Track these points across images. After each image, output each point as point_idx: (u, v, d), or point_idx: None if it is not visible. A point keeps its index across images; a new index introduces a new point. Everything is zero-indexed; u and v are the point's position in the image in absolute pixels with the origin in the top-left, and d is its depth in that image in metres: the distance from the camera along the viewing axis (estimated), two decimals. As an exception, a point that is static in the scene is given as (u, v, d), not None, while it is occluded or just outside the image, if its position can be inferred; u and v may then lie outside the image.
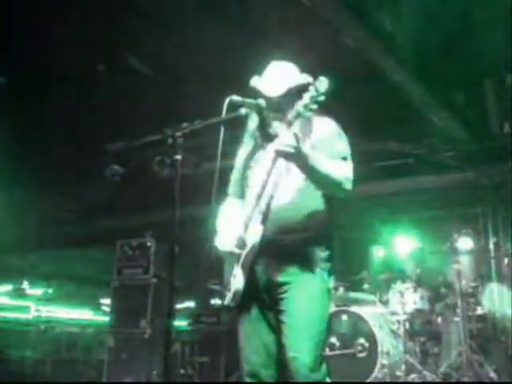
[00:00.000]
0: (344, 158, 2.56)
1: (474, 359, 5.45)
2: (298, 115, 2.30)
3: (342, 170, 2.52)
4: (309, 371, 2.36)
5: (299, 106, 2.28)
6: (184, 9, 4.83)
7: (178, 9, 4.84)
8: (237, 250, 2.51)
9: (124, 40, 5.27)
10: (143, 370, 6.11)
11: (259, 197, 2.47)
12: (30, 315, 8.08)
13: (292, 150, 2.30)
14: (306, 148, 2.37)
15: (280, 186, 2.50)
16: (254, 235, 2.44)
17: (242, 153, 2.77)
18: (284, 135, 2.32)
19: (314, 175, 2.46)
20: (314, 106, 2.29)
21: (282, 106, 2.56)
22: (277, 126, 2.52)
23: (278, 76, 2.63)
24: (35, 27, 5.03)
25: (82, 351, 8.12)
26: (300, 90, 2.52)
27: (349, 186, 2.52)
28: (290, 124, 2.30)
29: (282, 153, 2.33)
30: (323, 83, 2.29)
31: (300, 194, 2.50)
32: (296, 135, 2.30)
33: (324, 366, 2.44)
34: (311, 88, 2.26)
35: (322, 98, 2.28)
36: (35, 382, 6.46)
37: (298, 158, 2.36)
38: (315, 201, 2.55)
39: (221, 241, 2.62)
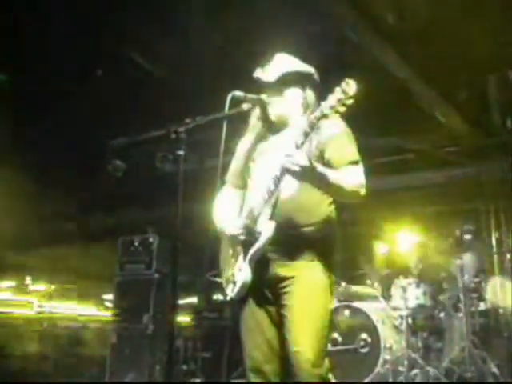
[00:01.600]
0: (356, 162, 2.54)
1: (476, 354, 5.45)
2: (323, 116, 2.25)
3: (356, 177, 2.50)
4: (311, 366, 2.36)
5: (325, 107, 2.23)
6: (186, 4, 4.82)
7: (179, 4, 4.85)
8: (242, 236, 2.52)
9: (126, 35, 5.26)
10: (146, 365, 6.13)
11: (272, 193, 2.46)
12: (32, 311, 8.10)
13: (303, 172, 2.28)
14: (318, 169, 2.34)
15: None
16: (267, 230, 2.43)
17: (244, 143, 2.78)
18: (295, 153, 2.27)
19: (327, 190, 2.49)
20: (342, 109, 2.23)
21: (277, 89, 2.63)
22: (290, 136, 2.46)
23: (275, 64, 2.69)
24: (34, 25, 5.03)
25: (85, 347, 8.13)
26: (299, 77, 2.65)
27: (363, 191, 2.51)
28: (312, 125, 2.26)
29: (292, 173, 2.30)
30: (351, 86, 2.19)
31: (303, 187, 2.49)
32: (310, 158, 2.27)
33: (326, 361, 2.45)
34: (337, 89, 2.20)
35: (350, 101, 2.20)
36: (37, 382, 6.47)
37: (308, 178, 2.35)
38: (318, 195, 2.55)
39: (225, 225, 2.63)
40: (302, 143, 2.31)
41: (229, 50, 5.18)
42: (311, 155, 2.40)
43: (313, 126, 2.27)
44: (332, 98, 2.22)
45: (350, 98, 2.20)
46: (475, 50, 5.23)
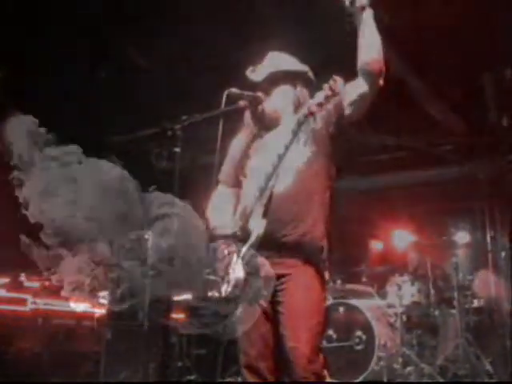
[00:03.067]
0: None
1: (470, 352, 5.48)
2: (310, 114, 2.26)
3: None
4: (307, 362, 2.37)
5: (312, 104, 2.24)
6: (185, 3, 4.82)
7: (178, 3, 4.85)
8: (235, 235, 2.51)
9: (124, 34, 5.25)
10: (140, 362, 6.12)
11: (263, 190, 2.46)
12: (27, 308, 8.08)
13: None
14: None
15: (279, 177, 2.49)
16: (258, 227, 2.43)
17: (237, 142, 2.77)
18: None
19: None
20: (329, 106, 2.25)
21: (266, 88, 2.62)
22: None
23: (265, 63, 2.69)
24: (34, 23, 5.01)
25: (79, 343, 8.11)
26: (288, 75, 2.65)
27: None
28: (300, 124, 2.28)
29: None
30: (338, 83, 2.23)
31: (298, 185, 2.50)
32: None
33: (321, 357, 2.46)
34: (325, 86, 2.22)
35: (337, 97, 2.23)
36: (34, 382, 6.46)
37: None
38: (312, 193, 2.55)
39: (219, 225, 2.62)
40: (291, 142, 2.31)
41: (227, 48, 5.16)
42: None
43: (300, 125, 2.28)
44: (319, 96, 2.25)
45: (337, 94, 2.22)
46: (471, 47, 5.23)
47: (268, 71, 2.63)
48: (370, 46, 2.49)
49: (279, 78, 2.64)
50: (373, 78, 2.47)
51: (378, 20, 2.49)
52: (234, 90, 2.55)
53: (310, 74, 2.72)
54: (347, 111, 2.49)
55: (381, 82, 2.49)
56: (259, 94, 2.61)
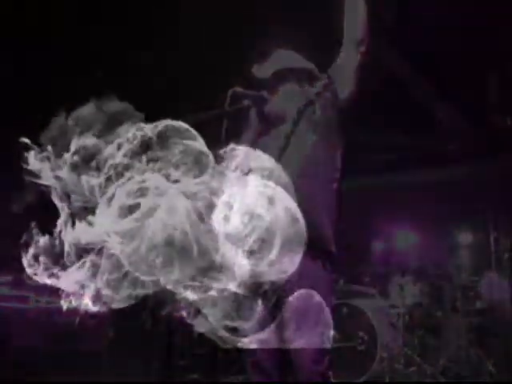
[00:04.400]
0: None
1: (472, 353, 5.47)
2: (310, 103, 2.26)
3: None
4: (312, 363, 2.35)
5: (311, 94, 2.25)
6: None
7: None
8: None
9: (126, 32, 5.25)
10: (143, 360, 6.13)
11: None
12: (29, 305, 8.08)
13: None
14: None
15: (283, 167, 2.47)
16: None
17: (243, 142, 2.76)
18: None
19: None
20: (328, 94, 2.25)
21: (272, 85, 2.61)
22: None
23: (270, 60, 2.68)
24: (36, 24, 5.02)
25: (82, 342, 8.12)
26: (294, 73, 2.62)
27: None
28: (300, 113, 2.27)
29: None
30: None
31: (302, 175, 2.47)
32: None
33: (327, 359, 2.44)
34: (323, 76, 2.23)
35: (335, 86, 2.24)
36: (34, 382, 6.47)
37: None
38: (319, 182, 2.51)
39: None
40: (291, 132, 2.31)
41: (229, 46, 5.16)
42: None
43: (300, 114, 2.27)
44: (318, 85, 2.29)
45: (335, 82, 2.27)
46: (476, 47, 5.22)
47: (273, 69, 2.62)
48: (354, 15, 2.54)
49: (285, 76, 2.63)
50: (357, 45, 2.50)
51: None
52: (238, 89, 2.54)
53: (317, 71, 2.70)
54: (340, 89, 2.47)
55: (363, 49, 2.52)
56: (264, 93, 2.60)
